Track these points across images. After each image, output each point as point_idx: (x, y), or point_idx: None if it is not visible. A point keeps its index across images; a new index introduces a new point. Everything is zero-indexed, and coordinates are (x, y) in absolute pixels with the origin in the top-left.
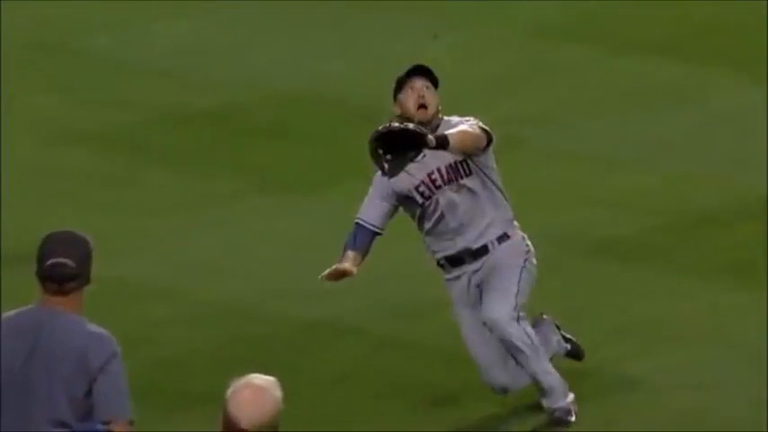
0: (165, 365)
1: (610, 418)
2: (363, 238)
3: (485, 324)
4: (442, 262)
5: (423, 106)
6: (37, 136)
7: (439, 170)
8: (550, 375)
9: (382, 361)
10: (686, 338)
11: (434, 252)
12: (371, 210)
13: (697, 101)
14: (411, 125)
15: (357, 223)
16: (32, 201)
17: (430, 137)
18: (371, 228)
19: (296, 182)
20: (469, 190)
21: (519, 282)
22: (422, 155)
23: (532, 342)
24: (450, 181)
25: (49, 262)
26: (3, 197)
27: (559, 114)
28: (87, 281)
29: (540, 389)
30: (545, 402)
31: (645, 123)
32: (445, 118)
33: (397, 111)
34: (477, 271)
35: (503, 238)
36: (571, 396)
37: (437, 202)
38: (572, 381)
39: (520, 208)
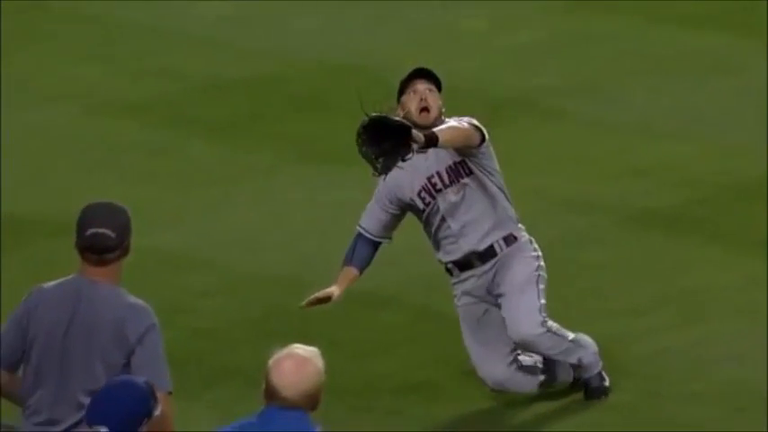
0: (204, 336)
1: (650, 389)
2: (362, 249)
3: (515, 342)
4: (450, 266)
5: (425, 109)
6: (77, 105)
7: (439, 174)
8: (585, 354)
9: (421, 332)
10: (724, 310)
11: (441, 258)
12: (372, 218)
13: (735, 71)
14: (395, 117)
15: (358, 232)
16: (73, 171)
17: (417, 131)
18: (371, 237)
19: (336, 153)
20: (470, 191)
21: (538, 295)
22: (413, 153)
23: (562, 339)
24: (451, 183)
25: (89, 232)
26: (39, 166)
27: (599, 84)
28: (126, 252)
29: (574, 367)
30: (578, 374)
31: (684, 93)
32: (446, 120)
33: (400, 113)
34: (487, 272)
35: (509, 239)
36: (594, 351)
37: (438, 207)
38: (612, 352)
39: (560, 178)
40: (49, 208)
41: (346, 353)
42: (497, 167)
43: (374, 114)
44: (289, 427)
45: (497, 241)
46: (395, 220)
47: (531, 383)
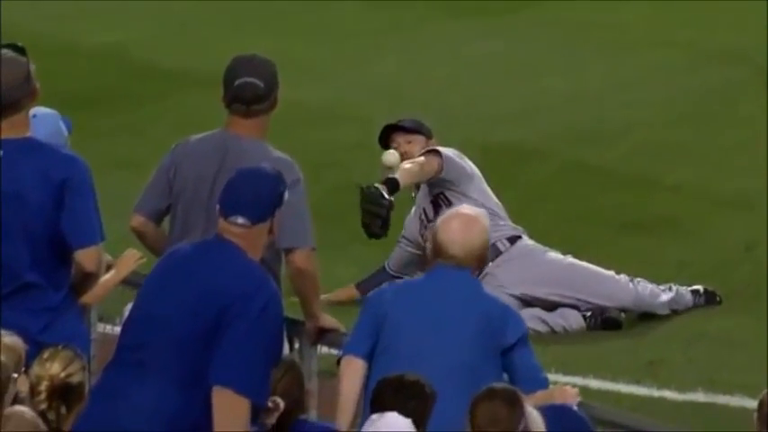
0: (350, 191)
1: None
2: (377, 278)
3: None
4: None
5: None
6: None
7: (425, 210)
8: (675, 297)
9: (568, 185)
10: None
11: None
12: (395, 255)
13: None
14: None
15: (383, 265)
16: (219, 24)
17: (379, 187)
18: (389, 271)
19: (482, 6)
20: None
21: (598, 269)
22: (389, 202)
23: (651, 284)
24: (436, 215)
25: (238, 82)
26: (185, 19)
27: None
28: (273, 105)
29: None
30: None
31: None
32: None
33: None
34: (498, 266)
35: (513, 239)
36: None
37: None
38: (759, 207)
39: (712, 31)
40: (196, 61)
41: None
42: (480, 184)
43: (366, 222)
44: (456, 284)
45: (500, 240)
46: (409, 257)
47: None
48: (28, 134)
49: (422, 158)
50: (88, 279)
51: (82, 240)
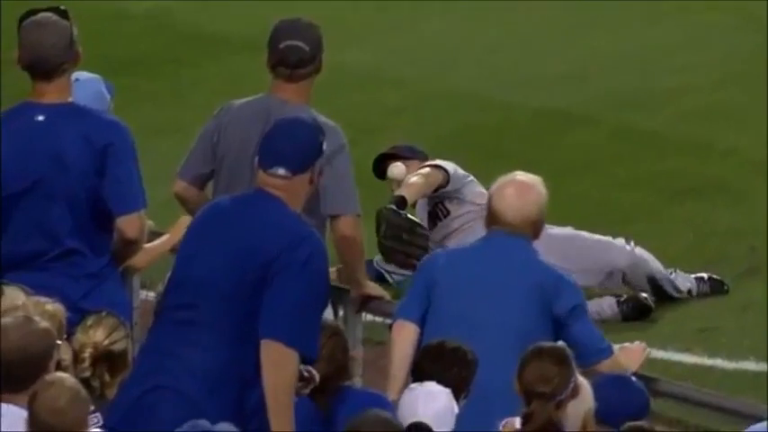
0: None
1: None
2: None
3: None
4: None
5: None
6: None
7: (422, 220)
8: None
9: (616, 151)
10: None
11: None
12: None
13: None
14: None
15: (371, 259)
16: None
17: (414, 223)
18: (377, 266)
19: None
20: (454, 221)
21: (596, 236)
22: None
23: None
24: (433, 225)
25: (283, 45)
26: None
27: None
28: (318, 69)
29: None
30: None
31: None
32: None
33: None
34: None
35: None
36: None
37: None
38: None
39: None
40: (240, 25)
41: (538, 172)
42: (479, 189)
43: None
44: (510, 251)
45: None
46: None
47: None
48: (70, 99)
49: (426, 170)
50: (130, 246)
51: (124, 207)
